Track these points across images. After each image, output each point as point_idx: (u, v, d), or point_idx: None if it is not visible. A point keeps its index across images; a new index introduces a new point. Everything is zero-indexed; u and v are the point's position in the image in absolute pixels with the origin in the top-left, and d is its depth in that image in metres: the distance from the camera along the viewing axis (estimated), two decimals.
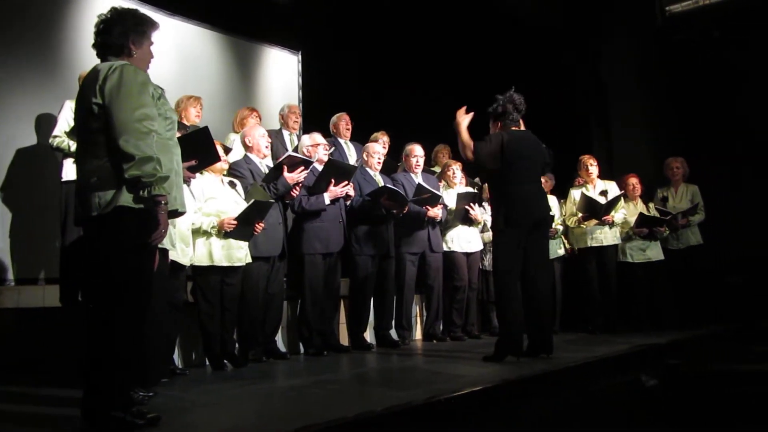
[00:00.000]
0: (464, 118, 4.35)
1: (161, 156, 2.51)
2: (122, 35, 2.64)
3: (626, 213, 6.18)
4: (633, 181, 6.40)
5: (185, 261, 3.90)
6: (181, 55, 6.56)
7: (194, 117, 5.02)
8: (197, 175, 4.18)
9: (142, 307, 2.56)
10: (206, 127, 3.73)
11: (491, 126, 4.49)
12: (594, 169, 6.16)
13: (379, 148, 5.49)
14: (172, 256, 3.64)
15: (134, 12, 2.74)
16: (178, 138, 2.80)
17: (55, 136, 4.33)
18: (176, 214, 2.71)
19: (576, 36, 8.51)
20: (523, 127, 4.46)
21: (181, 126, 3.70)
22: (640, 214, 6.13)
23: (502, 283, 4.21)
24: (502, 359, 4.08)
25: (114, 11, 2.68)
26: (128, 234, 2.45)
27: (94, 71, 2.58)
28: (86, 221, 2.53)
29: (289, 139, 5.89)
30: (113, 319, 2.44)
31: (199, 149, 3.43)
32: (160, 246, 3.23)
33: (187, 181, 3.66)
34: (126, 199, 2.44)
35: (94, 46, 2.69)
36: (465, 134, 4.31)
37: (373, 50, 7.83)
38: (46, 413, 2.89)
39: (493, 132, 4.46)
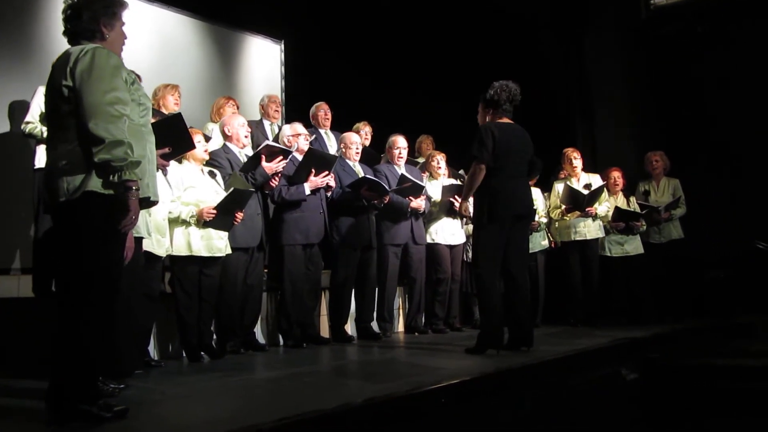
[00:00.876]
0: (466, 205, 4.41)
1: (134, 142, 2.43)
2: (92, 20, 2.55)
3: (609, 206, 6.17)
4: (615, 174, 6.39)
5: (161, 252, 3.81)
6: (160, 43, 6.45)
7: (173, 105, 4.92)
8: (174, 163, 4.12)
9: (112, 297, 2.48)
10: (179, 114, 3.65)
11: (480, 110, 4.41)
12: (578, 162, 6.14)
13: (356, 138, 5.43)
14: (147, 246, 3.56)
15: None
16: (152, 124, 2.72)
17: (28, 123, 4.22)
18: (148, 202, 2.63)
19: (560, 28, 8.48)
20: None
21: (156, 113, 3.61)
22: (616, 208, 6.12)
23: (483, 277, 4.17)
24: (483, 352, 4.05)
25: None
26: (97, 220, 2.37)
27: (66, 54, 2.49)
28: (54, 208, 2.44)
29: (270, 129, 5.82)
30: (80, 309, 2.36)
31: (172, 136, 3.35)
32: (135, 234, 3.18)
33: (161, 169, 3.58)
34: (95, 184, 2.36)
35: (65, 33, 2.60)
36: (468, 187, 4.32)
37: (357, 40, 7.76)
38: (11, 405, 2.82)
39: (480, 119, 4.40)
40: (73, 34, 2.56)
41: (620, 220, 6.12)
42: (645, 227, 6.25)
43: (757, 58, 7.30)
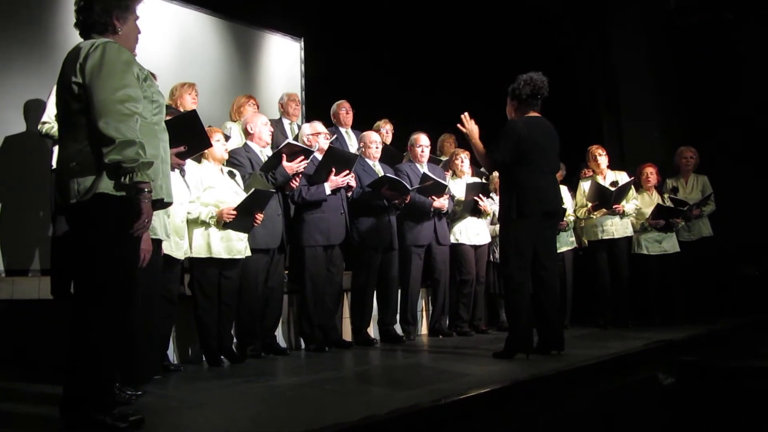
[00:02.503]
0: (473, 128, 4.19)
1: (146, 141, 2.33)
2: (104, 12, 2.45)
3: (638, 204, 5.99)
4: (648, 170, 6.20)
5: (179, 254, 3.72)
6: (179, 41, 6.41)
7: (191, 104, 4.83)
8: (193, 163, 4.03)
9: (127, 301, 2.39)
10: (194, 111, 3.54)
11: (508, 103, 4.27)
12: (603, 160, 5.96)
13: (375, 136, 5.30)
14: (165, 249, 3.46)
15: None
16: (165, 122, 2.61)
17: (44, 123, 4.15)
18: (162, 204, 2.53)
19: (584, 21, 8.28)
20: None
21: (171, 110, 3.50)
22: (658, 205, 5.94)
23: (512, 277, 4.02)
24: (512, 356, 3.91)
25: None
26: (109, 223, 2.27)
27: (76, 49, 2.40)
28: (66, 209, 2.35)
29: (289, 128, 5.72)
30: (94, 314, 2.27)
31: (187, 134, 3.22)
32: (153, 236, 3.09)
33: (176, 169, 3.47)
34: (106, 185, 2.26)
35: (76, 25, 2.50)
36: (480, 147, 4.15)
37: (377, 37, 7.64)
38: (25, 411, 2.73)
39: (508, 112, 4.25)
40: (85, 26, 2.46)
41: (660, 218, 5.92)
42: (683, 224, 6.06)
43: None
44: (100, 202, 2.26)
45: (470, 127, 4.22)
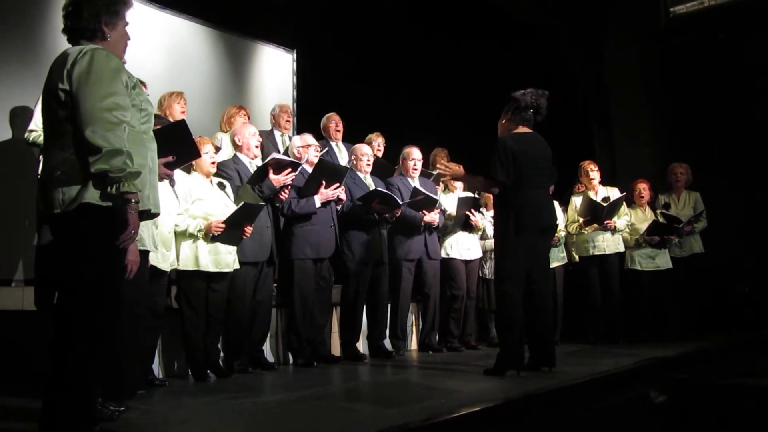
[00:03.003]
0: (456, 169, 4.28)
1: (134, 151, 2.27)
2: (93, 17, 2.40)
3: (629, 219, 5.97)
4: (641, 186, 6.19)
5: (165, 266, 3.65)
6: (171, 51, 6.36)
7: (180, 113, 4.77)
8: (182, 174, 3.98)
9: (112, 313, 2.32)
10: (183, 120, 3.48)
11: (502, 115, 4.23)
12: (595, 175, 5.95)
13: (367, 149, 5.26)
14: (152, 260, 3.40)
15: None
16: (153, 131, 2.55)
17: (32, 131, 4.07)
18: (149, 215, 2.47)
19: (578, 37, 8.31)
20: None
21: (159, 119, 3.45)
22: (654, 221, 5.92)
23: (505, 293, 3.97)
24: (503, 373, 3.86)
25: None
26: (94, 234, 2.21)
27: (63, 55, 2.34)
28: (50, 219, 2.28)
29: (280, 139, 5.67)
30: (76, 326, 2.20)
31: (176, 144, 3.17)
32: (141, 247, 3.02)
33: (167, 180, 3.41)
34: (92, 195, 2.20)
35: (64, 31, 2.45)
36: (473, 178, 4.15)
37: (370, 50, 7.62)
38: (3, 428, 2.65)
39: (500, 124, 4.22)
40: (73, 32, 2.41)
41: (655, 234, 5.90)
42: (677, 240, 6.04)
43: None
44: (85, 212, 2.20)
45: (453, 170, 4.30)
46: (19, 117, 4.65)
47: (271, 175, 4.33)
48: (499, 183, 4.02)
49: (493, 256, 5.65)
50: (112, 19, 2.43)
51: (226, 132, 5.22)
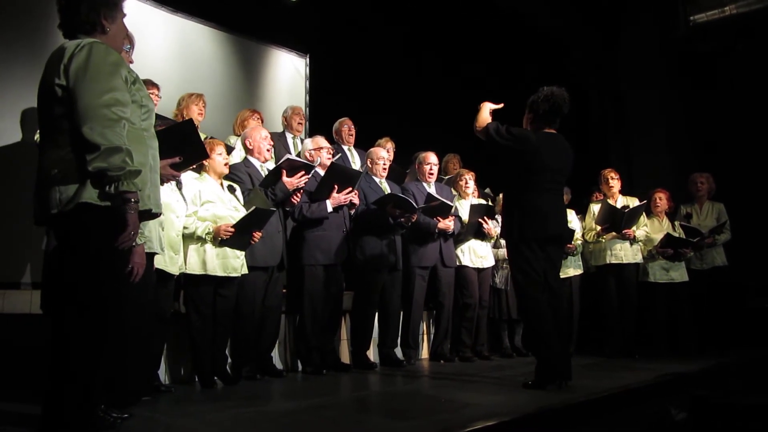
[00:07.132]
0: (490, 105, 4.04)
1: (134, 148, 2.19)
2: (92, 10, 2.32)
3: (648, 230, 5.83)
4: (658, 195, 6.05)
5: (173, 270, 3.58)
6: (184, 54, 6.34)
7: (197, 115, 4.73)
8: (192, 176, 3.91)
9: (114, 317, 2.24)
10: (191, 120, 3.40)
11: (525, 115, 4.09)
12: (616, 183, 5.84)
13: (383, 153, 5.18)
14: (159, 263, 3.32)
15: None
16: (159, 132, 2.47)
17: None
18: (150, 215, 2.39)
19: (594, 46, 8.21)
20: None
21: (160, 119, 3.37)
22: (667, 234, 5.77)
23: (529, 299, 3.77)
24: (544, 387, 3.66)
25: None
26: (92, 236, 2.13)
27: (60, 49, 2.27)
28: (45, 220, 2.20)
29: (292, 142, 5.60)
30: (76, 331, 2.13)
31: (183, 144, 3.07)
32: (148, 250, 2.94)
33: (171, 180, 3.33)
34: (90, 195, 2.12)
35: (60, 26, 2.37)
36: (485, 113, 3.97)
37: (383, 55, 7.56)
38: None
39: (525, 125, 4.07)
40: (70, 26, 2.33)
41: (669, 247, 5.75)
42: (692, 254, 5.89)
43: None
44: (83, 212, 2.13)
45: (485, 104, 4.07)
46: (30, 119, 4.61)
47: (285, 178, 4.25)
48: (489, 133, 3.87)
49: (504, 265, 5.57)
50: (111, 11, 2.36)
51: (238, 135, 5.16)
